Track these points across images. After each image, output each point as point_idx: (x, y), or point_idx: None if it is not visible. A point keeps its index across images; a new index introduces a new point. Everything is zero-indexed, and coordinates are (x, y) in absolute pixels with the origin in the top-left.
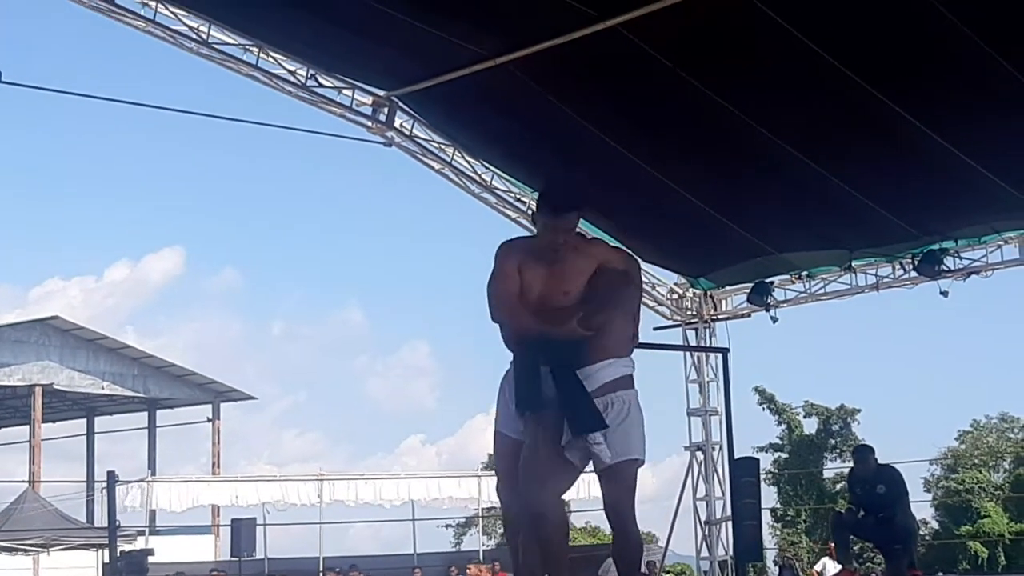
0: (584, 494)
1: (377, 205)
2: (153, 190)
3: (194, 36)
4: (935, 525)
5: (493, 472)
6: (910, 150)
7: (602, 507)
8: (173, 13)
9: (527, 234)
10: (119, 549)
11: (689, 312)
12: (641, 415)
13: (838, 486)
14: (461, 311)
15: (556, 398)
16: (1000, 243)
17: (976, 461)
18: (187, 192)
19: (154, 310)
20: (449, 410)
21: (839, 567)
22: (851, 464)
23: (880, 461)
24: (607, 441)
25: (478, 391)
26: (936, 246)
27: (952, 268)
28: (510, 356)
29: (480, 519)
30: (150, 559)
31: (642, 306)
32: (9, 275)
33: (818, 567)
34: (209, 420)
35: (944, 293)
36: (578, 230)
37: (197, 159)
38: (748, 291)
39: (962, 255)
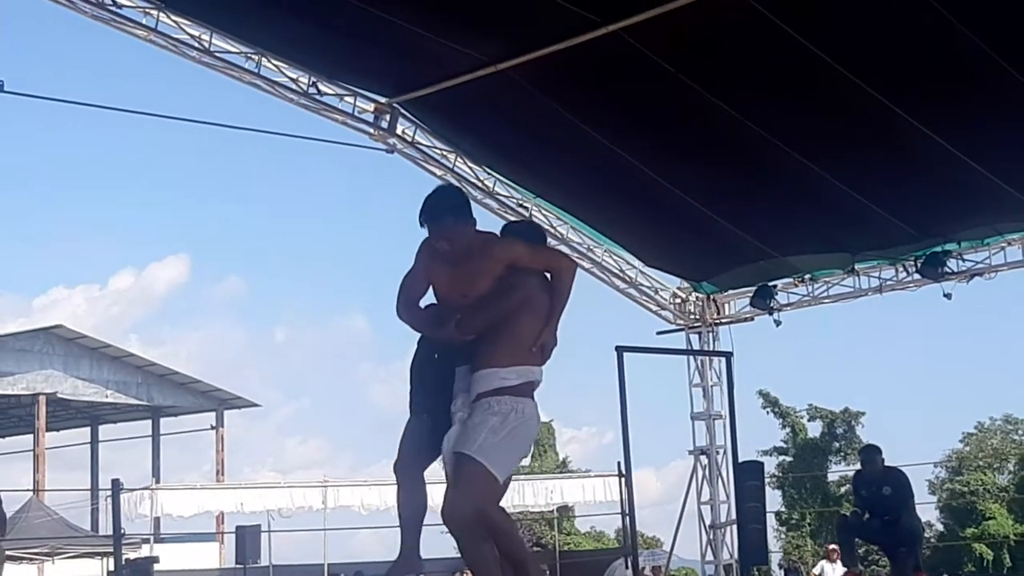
0: (589, 497)
1: (380, 212)
2: (157, 198)
3: (196, 45)
4: (940, 527)
5: None
6: (912, 153)
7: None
8: (175, 22)
9: None
10: (124, 557)
11: (692, 316)
12: (505, 426)
13: (843, 489)
14: None
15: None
16: (1003, 245)
17: (981, 463)
18: (191, 200)
19: (158, 318)
20: None
21: (836, 570)
22: (856, 467)
23: (888, 464)
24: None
25: None
26: (939, 248)
27: (955, 270)
28: None
29: None
30: (155, 567)
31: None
32: (13, 284)
33: (816, 571)
34: (213, 428)
35: (947, 295)
36: (483, 230)
37: (201, 167)
38: (751, 295)
39: (965, 257)
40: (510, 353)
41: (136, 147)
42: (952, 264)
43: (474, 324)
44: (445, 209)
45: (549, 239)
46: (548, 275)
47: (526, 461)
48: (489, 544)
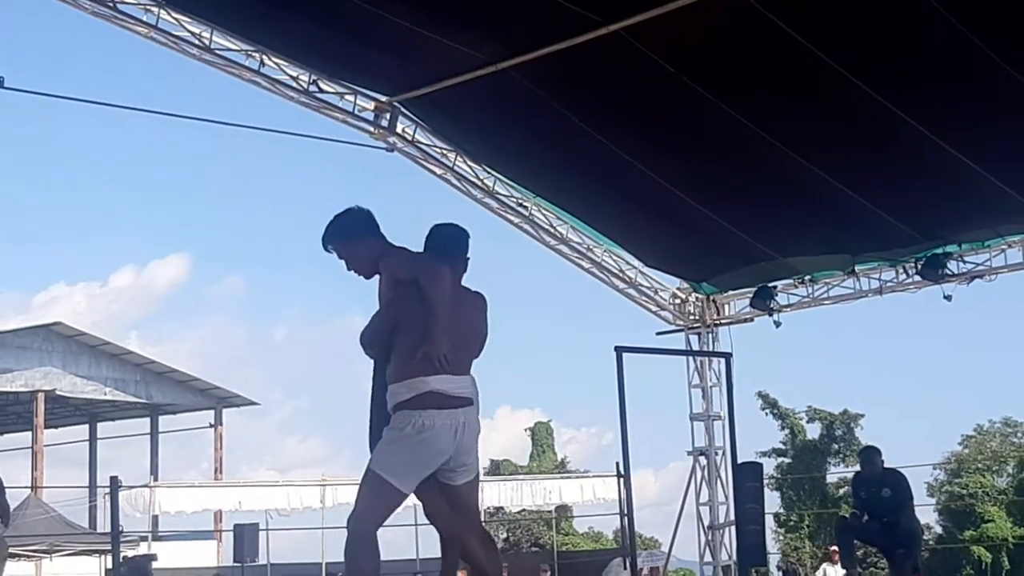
0: (588, 497)
1: (379, 211)
2: (158, 196)
3: (196, 42)
4: (938, 530)
5: (495, 477)
6: (914, 155)
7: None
8: (175, 19)
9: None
10: (122, 555)
11: (692, 317)
12: (399, 438)
13: (841, 491)
14: None
15: None
16: (1004, 247)
17: (980, 466)
18: (192, 198)
19: (159, 316)
20: None
21: (839, 572)
22: (855, 468)
23: (887, 466)
24: None
25: (481, 397)
26: (940, 250)
27: (955, 272)
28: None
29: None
30: (153, 565)
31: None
32: (14, 280)
33: (819, 574)
34: (211, 426)
35: (948, 297)
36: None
37: (201, 164)
38: (751, 296)
39: (965, 259)
40: (400, 369)
41: (137, 144)
42: (952, 266)
43: (365, 339)
44: (333, 233)
45: (548, 239)
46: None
47: (523, 461)
48: (374, 552)
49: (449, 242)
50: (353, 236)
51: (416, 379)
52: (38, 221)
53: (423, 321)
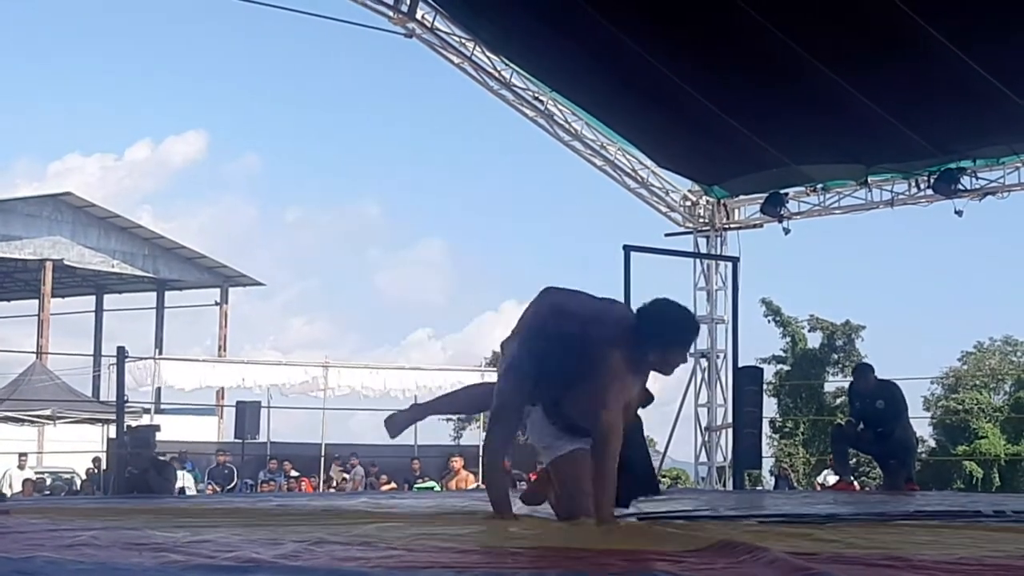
0: None
1: (394, 98)
2: (179, 71)
3: None
4: (932, 443)
5: (496, 368)
6: (935, 67)
7: None
8: None
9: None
10: (126, 425)
11: (701, 219)
12: None
13: (838, 400)
14: (476, 210)
15: None
16: (1018, 164)
17: (977, 382)
18: (212, 75)
19: (173, 192)
20: (458, 307)
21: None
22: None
23: (882, 378)
24: None
25: (488, 290)
26: (954, 165)
27: (968, 188)
28: None
29: (481, 414)
30: (156, 436)
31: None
32: (29, 147)
33: (820, 479)
34: (217, 304)
35: (959, 212)
36: None
37: (224, 42)
38: (762, 201)
39: (979, 175)
40: None
41: (159, 17)
42: (966, 181)
43: None
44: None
45: (562, 134)
46: None
47: None
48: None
49: None
50: None
51: None
52: (55, 88)
53: None
